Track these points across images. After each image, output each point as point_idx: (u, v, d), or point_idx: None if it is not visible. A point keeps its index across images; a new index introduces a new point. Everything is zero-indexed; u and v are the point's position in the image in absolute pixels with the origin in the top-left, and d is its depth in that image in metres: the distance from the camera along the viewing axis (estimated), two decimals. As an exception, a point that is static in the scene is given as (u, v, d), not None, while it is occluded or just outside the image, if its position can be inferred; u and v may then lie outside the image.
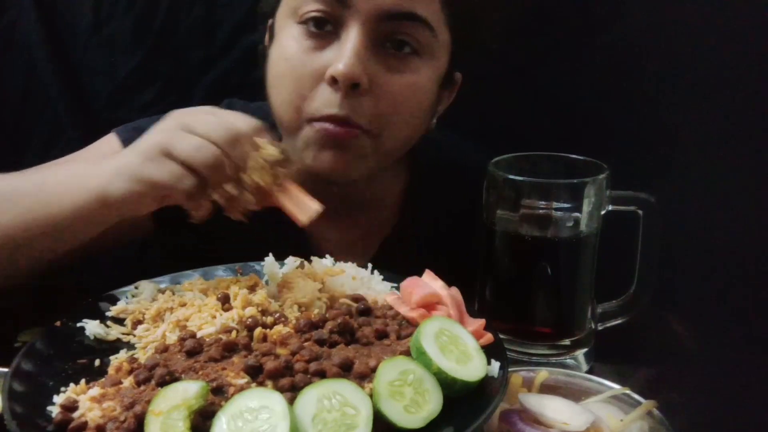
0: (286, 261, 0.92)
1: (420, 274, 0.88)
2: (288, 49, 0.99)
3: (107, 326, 0.84)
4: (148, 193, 0.83)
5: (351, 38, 0.94)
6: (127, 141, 1.06)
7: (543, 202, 0.95)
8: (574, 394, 0.83)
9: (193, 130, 0.82)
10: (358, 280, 0.88)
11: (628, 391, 0.82)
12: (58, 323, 0.83)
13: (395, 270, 0.92)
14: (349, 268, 0.91)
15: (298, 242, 1.11)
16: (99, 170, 0.86)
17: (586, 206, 0.94)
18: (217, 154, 0.81)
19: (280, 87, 1.00)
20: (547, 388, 0.84)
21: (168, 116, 0.87)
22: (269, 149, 0.85)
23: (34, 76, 1.46)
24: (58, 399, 0.70)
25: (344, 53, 0.93)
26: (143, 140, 0.84)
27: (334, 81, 0.94)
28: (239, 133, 0.83)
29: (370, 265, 0.92)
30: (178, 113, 0.87)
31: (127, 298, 0.89)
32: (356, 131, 0.97)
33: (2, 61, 1.46)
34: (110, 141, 1.09)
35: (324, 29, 0.96)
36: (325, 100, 0.96)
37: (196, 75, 1.46)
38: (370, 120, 0.97)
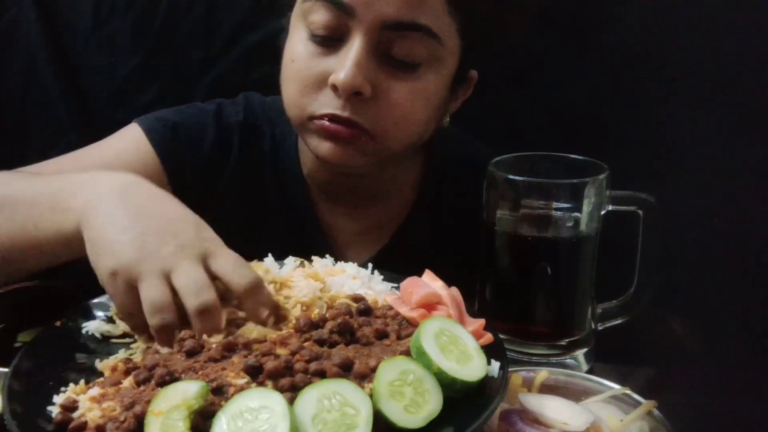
0: (285, 261, 0.92)
1: (426, 267, 0.88)
2: (296, 51, 1.01)
3: (113, 322, 0.84)
4: (119, 285, 0.77)
5: (354, 48, 0.95)
6: (150, 130, 1.10)
7: (543, 202, 0.95)
8: (574, 394, 0.83)
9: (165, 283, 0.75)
10: (359, 280, 0.88)
11: (628, 391, 0.82)
12: (58, 323, 0.83)
13: (407, 261, 0.92)
14: (350, 268, 0.91)
15: (313, 232, 1.15)
16: (85, 198, 0.82)
17: (586, 206, 0.94)
18: (167, 323, 0.74)
19: (287, 86, 1.03)
20: (547, 388, 0.84)
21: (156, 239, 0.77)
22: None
23: (34, 76, 1.46)
24: (58, 399, 0.70)
25: (346, 62, 0.95)
26: (129, 241, 0.76)
27: (335, 88, 0.96)
28: (213, 307, 0.75)
29: (370, 265, 0.92)
30: (162, 256, 0.75)
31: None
32: (356, 131, 0.98)
33: (2, 61, 1.46)
34: (133, 131, 1.11)
35: (330, 36, 0.98)
36: (328, 102, 0.98)
37: (196, 75, 1.46)
38: (372, 123, 0.99)
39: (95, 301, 0.88)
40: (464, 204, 1.16)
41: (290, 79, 1.02)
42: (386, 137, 1.01)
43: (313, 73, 0.99)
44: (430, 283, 0.85)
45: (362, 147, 1.00)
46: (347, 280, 0.88)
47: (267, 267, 0.87)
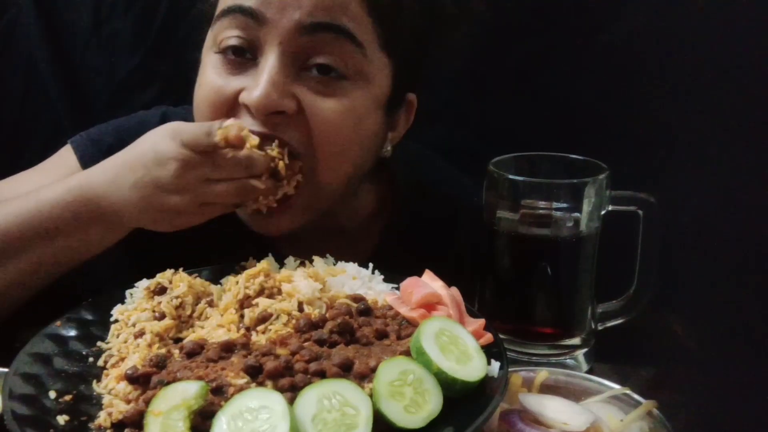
0: (286, 261, 0.92)
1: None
2: (205, 76, 0.95)
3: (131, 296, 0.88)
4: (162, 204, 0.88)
5: (268, 63, 0.89)
6: (83, 156, 1.05)
7: (543, 202, 0.95)
8: (574, 394, 0.83)
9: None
10: (359, 280, 0.88)
11: (628, 391, 0.82)
12: (58, 323, 0.83)
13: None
14: (350, 267, 0.91)
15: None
16: (117, 196, 0.89)
17: (586, 206, 0.94)
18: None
19: (198, 115, 0.97)
20: (547, 388, 0.84)
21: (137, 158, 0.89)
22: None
23: (34, 76, 1.46)
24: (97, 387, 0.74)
25: (258, 79, 0.89)
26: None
27: (248, 109, 0.90)
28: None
29: (371, 265, 0.91)
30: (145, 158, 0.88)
31: (126, 298, 0.89)
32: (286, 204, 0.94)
33: (2, 61, 1.46)
34: (66, 156, 1.07)
35: (243, 56, 0.92)
36: (244, 123, 0.92)
37: (196, 75, 1.46)
38: (299, 140, 0.92)
39: (95, 301, 0.89)
40: (435, 235, 1.14)
41: (199, 106, 0.96)
42: (319, 168, 0.94)
43: (224, 93, 0.92)
44: (430, 283, 0.85)
45: (301, 198, 0.95)
46: (347, 280, 0.88)
47: (266, 267, 0.87)
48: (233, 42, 0.92)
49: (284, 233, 0.99)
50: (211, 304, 0.85)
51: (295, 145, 0.93)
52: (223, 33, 0.93)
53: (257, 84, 0.89)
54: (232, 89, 0.92)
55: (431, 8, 1.00)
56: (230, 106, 0.93)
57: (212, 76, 0.94)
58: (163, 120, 1.08)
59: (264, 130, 0.91)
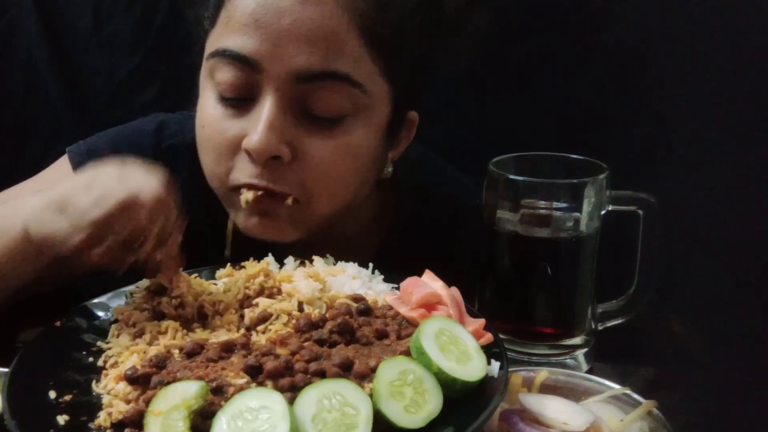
0: (285, 261, 0.92)
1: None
2: (206, 115, 0.94)
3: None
4: (42, 247, 0.81)
5: (265, 108, 0.88)
6: (79, 165, 1.03)
7: (543, 202, 0.95)
8: (574, 394, 0.83)
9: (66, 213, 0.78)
10: (359, 280, 0.88)
11: (628, 391, 0.82)
12: (58, 323, 0.83)
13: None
14: (350, 268, 0.91)
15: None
16: (28, 205, 0.83)
17: (586, 206, 0.94)
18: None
19: (202, 155, 0.96)
20: (547, 388, 0.83)
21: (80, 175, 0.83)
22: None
23: (34, 76, 1.46)
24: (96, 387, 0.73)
25: (258, 126, 0.88)
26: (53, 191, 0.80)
27: (249, 154, 0.89)
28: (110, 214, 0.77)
29: (371, 265, 0.91)
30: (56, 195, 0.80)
31: (127, 297, 0.89)
32: (278, 200, 0.92)
33: (2, 61, 1.46)
34: (63, 165, 1.06)
35: (240, 95, 0.91)
36: (245, 170, 0.91)
37: (196, 75, 1.46)
38: (295, 189, 0.92)
39: (95, 301, 0.89)
40: (437, 236, 1.13)
41: (204, 146, 0.95)
42: (313, 202, 0.93)
43: (226, 138, 0.91)
44: (430, 283, 0.85)
45: (290, 215, 0.93)
46: (347, 280, 0.88)
47: (266, 267, 0.87)
48: (230, 92, 0.91)
49: (275, 241, 0.96)
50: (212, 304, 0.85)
51: (293, 192, 0.92)
52: (219, 71, 0.91)
53: (256, 130, 0.88)
54: (232, 134, 0.91)
55: (431, 32, 0.98)
56: (233, 150, 0.92)
57: (212, 117, 0.93)
58: (159, 128, 1.08)
59: (263, 183, 0.90)
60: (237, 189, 0.93)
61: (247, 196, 0.92)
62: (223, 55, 0.90)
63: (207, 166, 0.96)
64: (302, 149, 0.90)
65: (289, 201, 0.93)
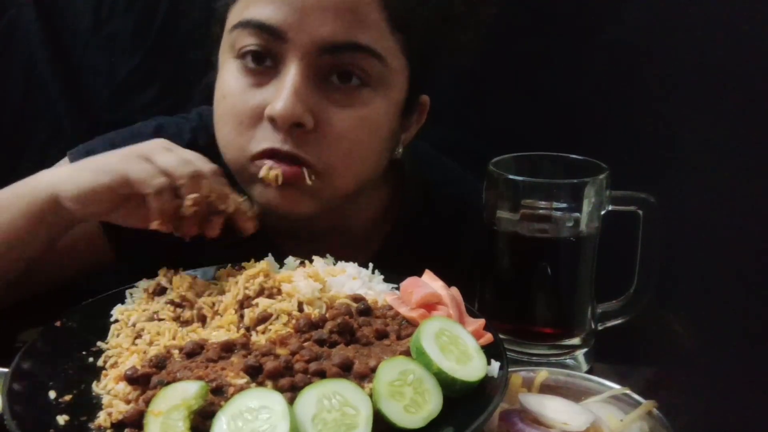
0: (285, 261, 0.92)
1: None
2: (227, 86, 0.95)
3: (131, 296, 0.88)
4: (111, 187, 0.84)
5: (290, 75, 0.89)
6: None
7: (543, 202, 0.95)
8: (574, 394, 0.83)
9: (152, 162, 0.85)
10: (359, 280, 0.88)
11: (628, 391, 0.82)
12: (58, 323, 0.83)
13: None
14: (350, 268, 0.91)
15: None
16: (53, 171, 0.88)
17: (586, 206, 0.94)
18: (193, 169, 0.86)
19: (221, 126, 0.96)
20: (547, 388, 0.84)
21: (126, 148, 0.89)
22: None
23: (34, 76, 1.46)
24: (96, 387, 0.74)
25: (282, 92, 0.88)
26: (112, 152, 0.88)
27: (273, 120, 0.90)
28: (199, 172, 0.86)
29: (371, 265, 0.91)
30: (137, 147, 0.89)
31: (127, 297, 0.89)
32: (299, 170, 0.92)
33: (2, 61, 1.46)
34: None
35: (263, 64, 0.92)
36: (267, 137, 0.92)
37: (196, 75, 1.46)
38: (316, 158, 0.92)
39: (95, 301, 0.89)
40: (444, 235, 1.14)
41: (223, 118, 0.95)
42: (333, 174, 0.94)
43: (248, 107, 0.92)
44: (430, 283, 0.85)
45: (308, 187, 0.93)
46: (347, 280, 0.88)
47: (266, 267, 0.87)
48: (254, 48, 0.92)
49: (291, 215, 0.97)
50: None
51: (313, 161, 0.93)
52: (243, 41, 0.92)
53: (280, 96, 0.89)
54: (255, 103, 0.92)
55: (448, 14, 1.00)
56: (254, 120, 0.93)
57: (234, 88, 0.94)
58: (157, 131, 1.08)
59: (287, 148, 0.91)
60: (257, 158, 0.93)
61: (270, 174, 0.92)
62: (248, 25, 0.91)
63: (225, 137, 0.96)
64: (324, 119, 0.91)
65: (309, 180, 0.93)
